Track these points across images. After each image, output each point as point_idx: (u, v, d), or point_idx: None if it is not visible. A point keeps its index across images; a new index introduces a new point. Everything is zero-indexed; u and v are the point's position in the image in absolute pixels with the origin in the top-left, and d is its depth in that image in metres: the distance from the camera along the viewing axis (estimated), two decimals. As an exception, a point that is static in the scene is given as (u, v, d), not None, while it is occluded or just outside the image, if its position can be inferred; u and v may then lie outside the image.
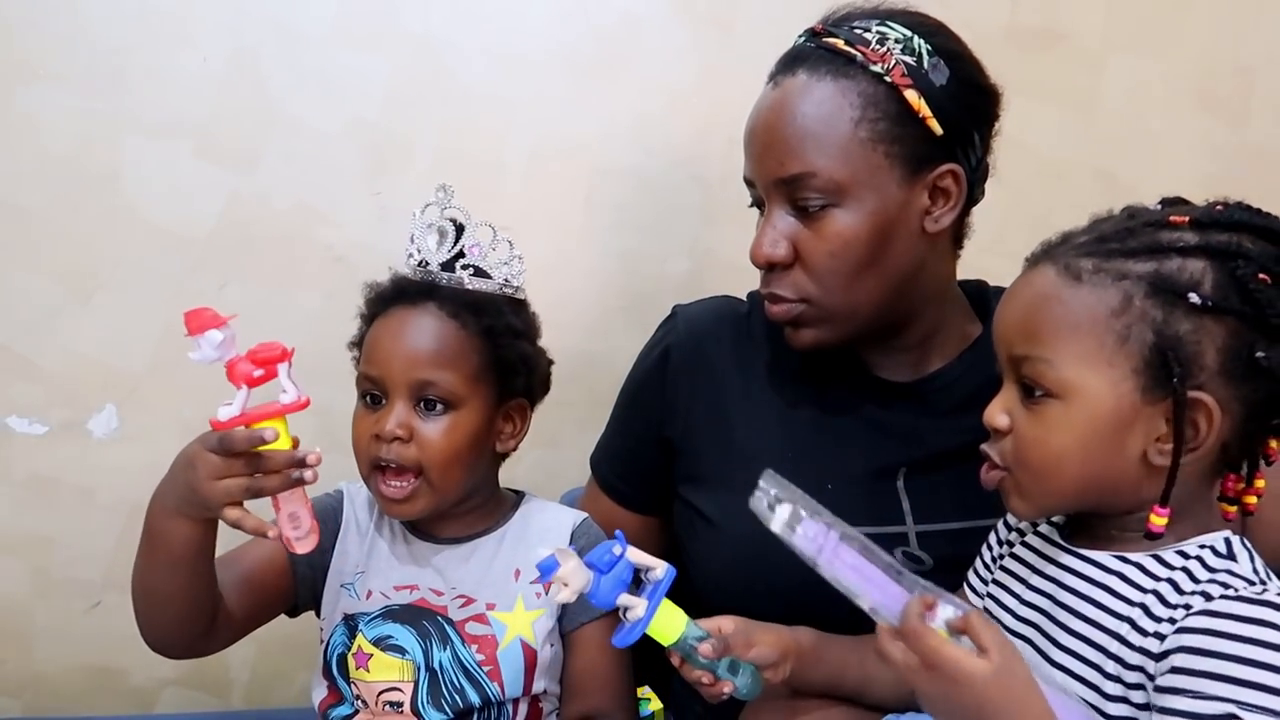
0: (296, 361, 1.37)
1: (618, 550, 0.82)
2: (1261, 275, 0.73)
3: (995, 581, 0.88)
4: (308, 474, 0.85)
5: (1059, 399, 0.76)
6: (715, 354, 1.08)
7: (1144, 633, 0.73)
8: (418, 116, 1.38)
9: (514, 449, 1.07)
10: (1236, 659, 0.67)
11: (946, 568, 0.95)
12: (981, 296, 1.08)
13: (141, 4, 1.31)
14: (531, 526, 1.07)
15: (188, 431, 1.37)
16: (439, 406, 0.99)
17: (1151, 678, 0.72)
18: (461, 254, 1.02)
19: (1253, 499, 0.79)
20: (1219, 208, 0.78)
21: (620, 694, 1.07)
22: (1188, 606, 0.71)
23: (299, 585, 1.05)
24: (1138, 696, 0.73)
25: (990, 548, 0.92)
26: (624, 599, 0.81)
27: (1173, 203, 0.81)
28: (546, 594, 0.88)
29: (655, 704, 1.14)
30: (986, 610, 0.88)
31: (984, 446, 0.81)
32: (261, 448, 0.83)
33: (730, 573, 1.03)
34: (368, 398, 1.02)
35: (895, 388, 1.03)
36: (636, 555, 0.82)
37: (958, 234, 1.02)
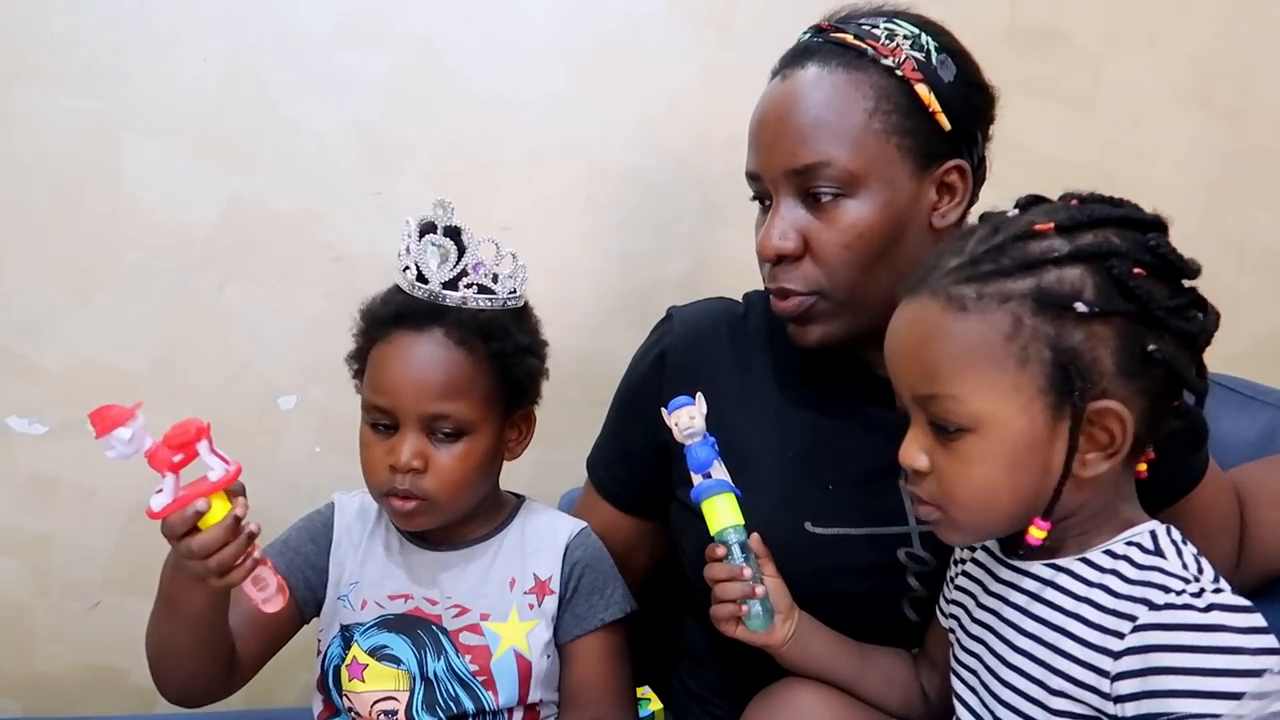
0: (295, 362, 1.38)
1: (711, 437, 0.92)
2: (1136, 269, 0.73)
3: (953, 601, 0.88)
4: (252, 525, 0.84)
5: (974, 432, 0.75)
6: (711, 356, 1.07)
7: (1085, 643, 0.73)
8: (418, 116, 1.38)
9: (521, 454, 1.07)
10: (1197, 672, 0.67)
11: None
12: None
13: (141, 4, 1.31)
14: (528, 535, 1.06)
15: (188, 431, 1.38)
16: (452, 434, 0.98)
17: (1104, 693, 0.72)
18: (465, 272, 0.99)
19: (1143, 465, 0.80)
20: (1075, 203, 0.78)
21: (621, 703, 1.06)
22: (1130, 617, 0.71)
23: (303, 607, 1.05)
24: (1087, 706, 0.73)
25: (950, 566, 0.92)
26: (717, 465, 0.91)
27: (1029, 203, 0.80)
28: (675, 429, 0.91)
29: (655, 704, 1.13)
30: (951, 632, 0.88)
31: (910, 487, 0.81)
32: (203, 523, 0.82)
33: None
34: (378, 426, 1.00)
35: (887, 383, 1.02)
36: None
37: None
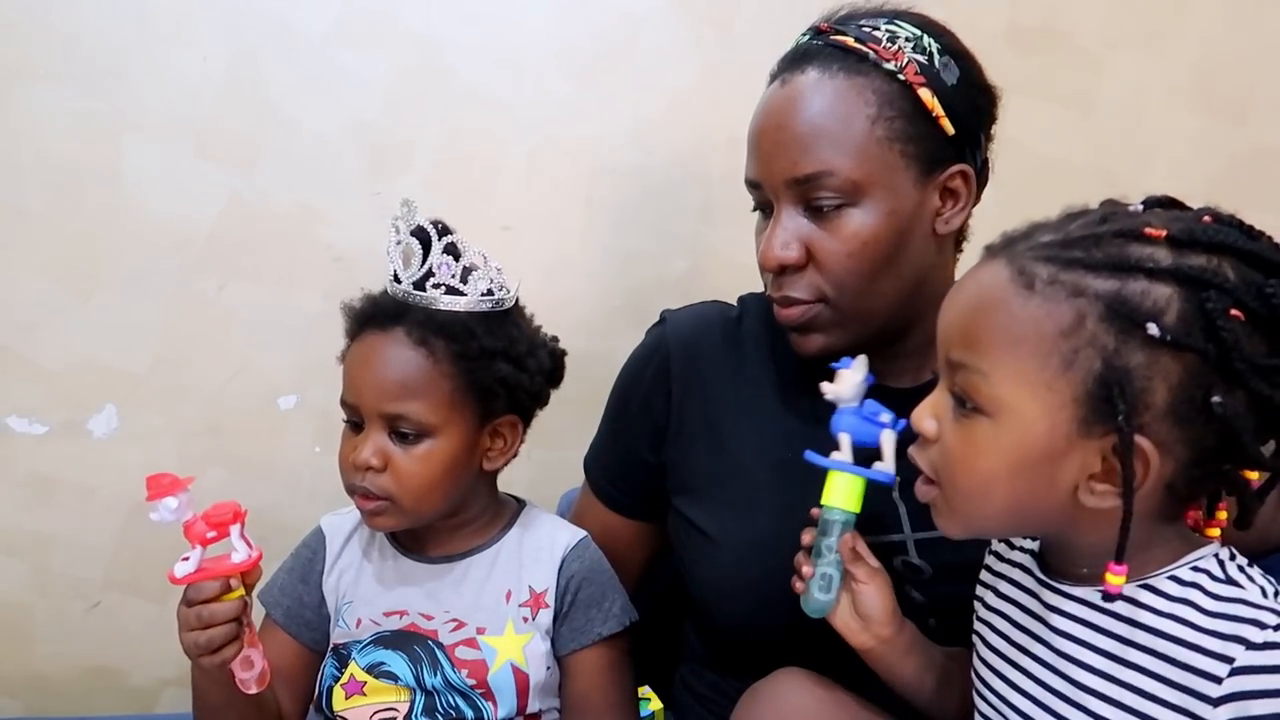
0: (295, 362, 1.38)
1: (885, 418, 0.87)
2: (1234, 311, 0.65)
3: (984, 621, 0.84)
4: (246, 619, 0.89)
5: (989, 417, 0.70)
6: (706, 362, 1.05)
7: (1171, 683, 0.67)
8: (418, 116, 1.38)
9: (503, 466, 1.05)
10: None
11: (947, 575, 0.94)
12: None
13: (141, 4, 1.32)
14: (526, 545, 1.05)
15: (188, 431, 1.39)
16: (413, 435, 0.97)
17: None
18: (431, 273, 0.98)
19: (1215, 530, 0.73)
20: (1206, 219, 0.70)
21: (621, 714, 1.05)
22: (1225, 657, 0.65)
23: (316, 649, 1.06)
24: None
25: (988, 565, 0.87)
26: (843, 437, 0.87)
27: (1159, 204, 0.73)
28: (826, 388, 0.87)
29: (655, 704, 1.13)
30: (974, 649, 0.83)
31: (912, 452, 0.76)
32: (217, 600, 0.87)
33: (729, 586, 1.00)
34: (350, 423, 1.01)
35: (894, 394, 0.99)
36: (888, 442, 0.86)
37: (959, 236, 1.00)
